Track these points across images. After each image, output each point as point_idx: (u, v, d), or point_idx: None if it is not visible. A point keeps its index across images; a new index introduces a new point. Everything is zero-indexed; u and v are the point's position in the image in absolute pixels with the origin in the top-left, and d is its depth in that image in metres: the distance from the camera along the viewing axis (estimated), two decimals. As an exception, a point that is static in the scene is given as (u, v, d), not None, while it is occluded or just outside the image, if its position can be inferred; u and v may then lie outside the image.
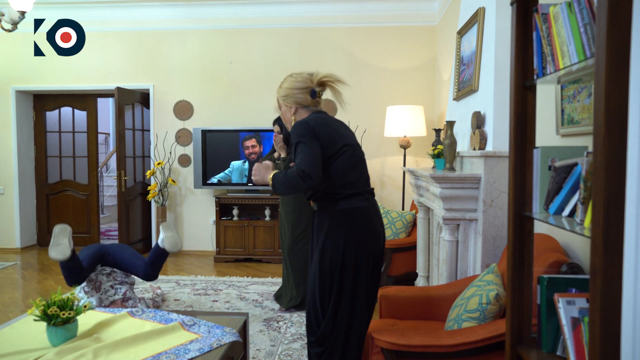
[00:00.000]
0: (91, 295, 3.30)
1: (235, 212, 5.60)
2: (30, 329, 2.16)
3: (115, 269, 3.49)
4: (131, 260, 3.41)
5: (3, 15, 3.59)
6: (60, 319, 1.94)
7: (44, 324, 2.01)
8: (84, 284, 3.29)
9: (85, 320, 2.20)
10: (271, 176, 2.10)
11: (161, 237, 3.38)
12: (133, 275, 3.56)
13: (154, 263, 3.37)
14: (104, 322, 2.22)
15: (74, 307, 2.00)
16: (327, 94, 2.34)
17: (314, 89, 2.23)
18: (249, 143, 5.51)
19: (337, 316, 2.12)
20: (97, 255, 3.39)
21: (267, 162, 2.21)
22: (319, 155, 2.05)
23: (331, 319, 2.12)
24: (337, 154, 2.12)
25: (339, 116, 5.57)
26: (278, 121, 3.97)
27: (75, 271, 3.14)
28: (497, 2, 2.87)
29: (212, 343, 1.99)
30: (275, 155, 4.00)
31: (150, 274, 3.37)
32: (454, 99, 3.69)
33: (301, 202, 3.86)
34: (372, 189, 2.26)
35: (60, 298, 1.99)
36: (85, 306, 2.04)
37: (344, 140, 2.16)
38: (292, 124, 2.21)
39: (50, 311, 1.94)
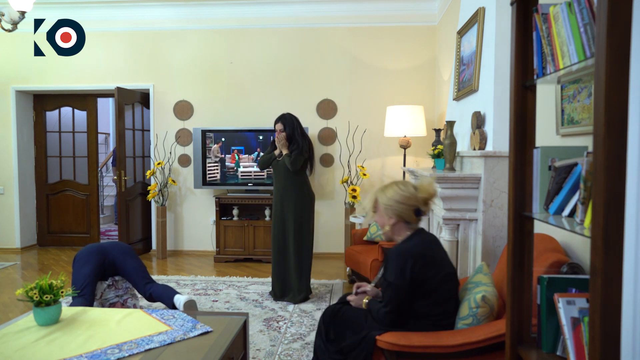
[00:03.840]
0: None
1: (235, 212, 5.60)
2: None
3: (116, 277, 3.38)
4: (133, 276, 3.30)
5: (3, 15, 3.59)
6: (42, 302, 2.12)
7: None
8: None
9: (78, 310, 2.35)
10: (366, 301, 2.30)
11: (180, 303, 3.14)
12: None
13: (157, 299, 3.28)
14: (92, 311, 2.36)
15: (54, 292, 2.17)
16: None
17: (419, 209, 2.18)
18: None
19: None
20: (97, 269, 3.23)
21: (361, 295, 2.36)
22: (406, 298, 2.07)
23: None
24: (430, 291, 2.08)
25: (339, 116, 5.67)
26: (281, 119, 3.98)
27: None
28: (497, 2, 2.87)
29: (177, 337, 2.01)
30: (276, 152, 4.01)
31: (150, 300, 3.30)
32: (454, 99, 3.69)
33: (303, 194, 3.94)
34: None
35: (45, 283, 2.16)
36: (62, 292, 2.19)
37: (442, 272, 2.10)
38: (385, 234, 2.23)
39: (31, 294, 2.12)
